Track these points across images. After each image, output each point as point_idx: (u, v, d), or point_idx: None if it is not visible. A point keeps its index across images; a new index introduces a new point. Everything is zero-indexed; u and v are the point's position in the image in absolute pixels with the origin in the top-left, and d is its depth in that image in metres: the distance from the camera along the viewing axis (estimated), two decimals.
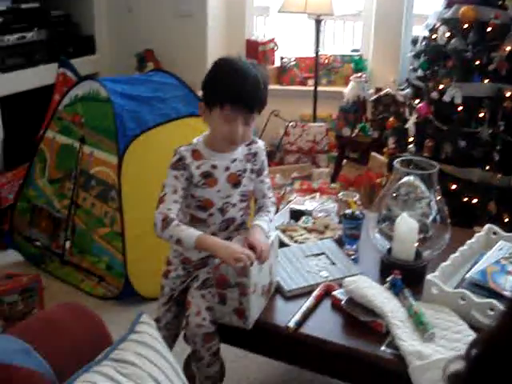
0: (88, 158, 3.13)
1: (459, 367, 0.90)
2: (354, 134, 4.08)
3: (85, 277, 3.15)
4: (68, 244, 3.22)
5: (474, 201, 3.18)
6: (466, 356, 0.90)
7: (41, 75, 4.07)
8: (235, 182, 1.95)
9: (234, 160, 1.94)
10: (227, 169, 1.93)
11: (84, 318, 1.53)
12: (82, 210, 3.16)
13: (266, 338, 1.91)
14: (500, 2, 3.19)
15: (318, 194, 3.28)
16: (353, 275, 2.00)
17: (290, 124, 4.25)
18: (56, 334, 1.41)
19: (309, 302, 1.90)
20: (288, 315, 1.86)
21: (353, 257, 2.18)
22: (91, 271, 3.13)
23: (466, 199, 3.20)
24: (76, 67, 4.12)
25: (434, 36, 3.46)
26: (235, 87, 1.82)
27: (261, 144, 2.02)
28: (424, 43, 3.58)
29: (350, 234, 2.21)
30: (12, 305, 2.80)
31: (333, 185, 3.82)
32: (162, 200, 1.86)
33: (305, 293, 1.97)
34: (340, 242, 2.25)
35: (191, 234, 1.81)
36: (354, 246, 2.22)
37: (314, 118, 4.37)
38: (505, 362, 0.83)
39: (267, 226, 1.97)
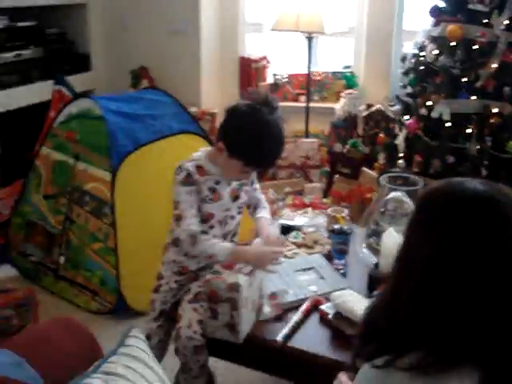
0: (82, 174, 3.18)
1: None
2: (345, 150, 4.13)
3: (79, 291, 3.17)
4: (62, 259, 3.25)
5: None
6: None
7: (37, 92, 4.11)
8: (235, 195, 2.05)
9: None
10: (229, 183, 2.02)
11: (76, 333, 1.57)
12: (76, 226, 3.20)
13: (256, 352, 1.93)
14: (486, 21, 3.25)
15: (309, 209, 3.32)
16: (341, 289, 2.04)
17: None
18: (48, 348, 1.45)
19: (297, 316, 1.93)
20: (277, 329, 1.88)
21: (341, 271, 2.22)
22: (85, 286, 3.15)
23: None
24: (72, 84, 4.17)
25: (422, 53, 3.53)
26: (266, 160, 1.97)
27: None
28: (413, 60, 3.65)
29: (338, 249, 2.26)
30: (6, 319, 2.81)
31: (325, 200, 3.85)
32: (180, 217, 1.91)
33: (294, 307, 2.00)
34: (329, 257, 2.29)
35: (224, 246, 1.92)
36: (343, 261, 2.25)
37: (307, 134, 4.43)
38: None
39: (268, 216, 2.15)
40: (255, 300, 1.95)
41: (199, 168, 1.97)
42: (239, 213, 2.10)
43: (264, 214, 2.14)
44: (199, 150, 2.05)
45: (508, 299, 1.03)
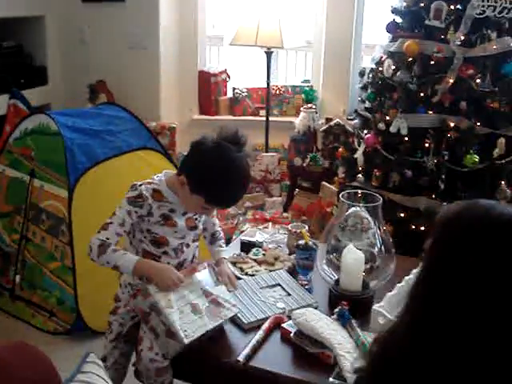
0: (38, 191, 3.11)
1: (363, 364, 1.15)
2: (305, 164, 4.15)
3: (35, 312, 3.10)
4: (18, 279, 3.17)
5: (422, 228, 3.26)
6: (369, 353, 1.15)
7: None
8: (192, 225, 2.00)
9: None
10: (185, 213, 1.97)
11: (31, 358, 1.51)
12: (32, 245, 3.13)
13: (220, 373, 1.89)
14: (442, 36, 3.30)
15: (270, 224, 3.32)
16: (309, 305, 2.03)
17: None
18: (1, 375, 1.39)
19: (258, 334, 1.91)
20: (240, 349, 1.85)
21: (307, 287, 2.20)
22: (42, 306, 3.09)
23: (413, 227, 3.27)
24: (28, 98, 4.09)
25: (380, 68, 3.57)
26: (228, 200, 1.95)
27: None
28: (371, 75, 3.69)
29: (303, 265, 2.24)
30: None
31: (285, 214, 3.86)
32: (105, 227, 1.87)
33: (256, 326, 1.97)
34: (293, 273, 2.28)
35: (130, 258, 1.85)
36: (308, 277, 2.24)
37: (267, 148, 4.44)
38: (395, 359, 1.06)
39: (226, 252, 2.20)
40: (197, 303, 1.88)
41: (156, 192, 1.91)
42: (194, 240, 2.05)
43: (224, 253, 2.17)
44: (162, 172, 1.99)
45: None
